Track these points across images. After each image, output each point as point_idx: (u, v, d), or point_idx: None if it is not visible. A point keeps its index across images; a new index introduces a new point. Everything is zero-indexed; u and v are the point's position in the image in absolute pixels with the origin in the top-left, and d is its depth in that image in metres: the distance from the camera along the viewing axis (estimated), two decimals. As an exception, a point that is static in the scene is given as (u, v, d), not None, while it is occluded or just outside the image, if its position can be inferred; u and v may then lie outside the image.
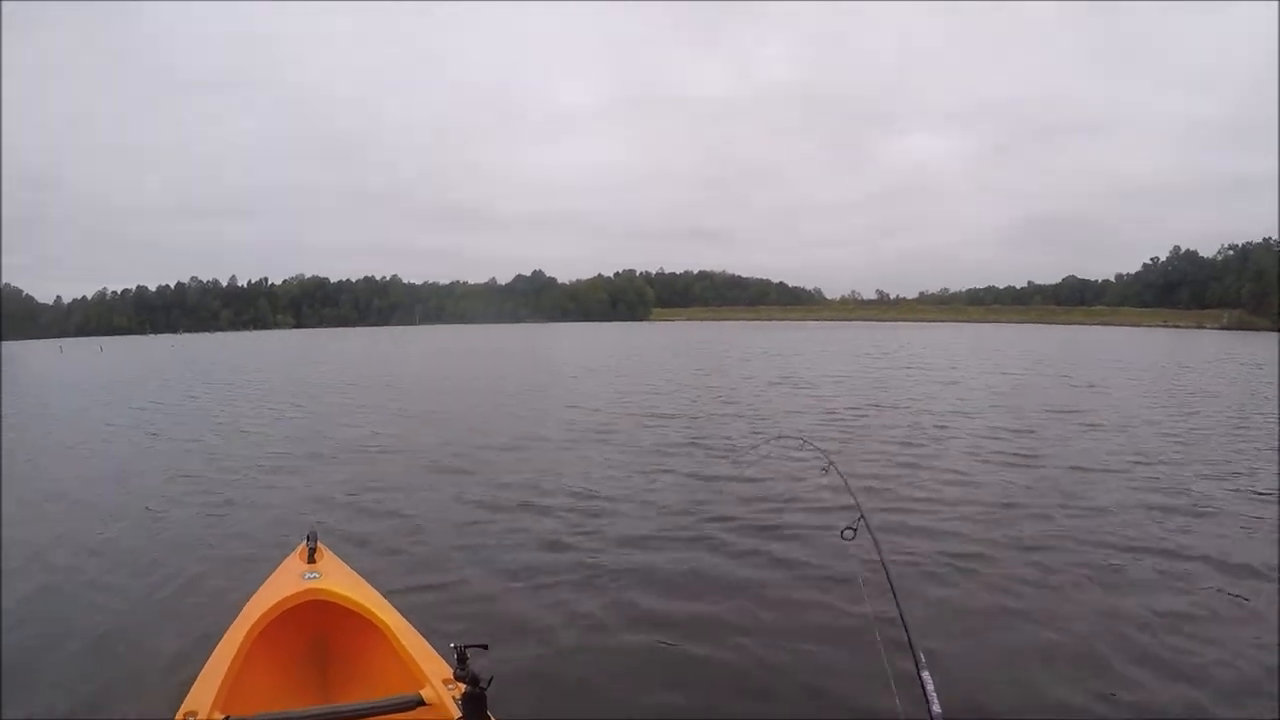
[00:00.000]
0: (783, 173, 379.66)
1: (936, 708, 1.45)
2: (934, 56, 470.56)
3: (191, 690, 2.75)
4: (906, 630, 1.77)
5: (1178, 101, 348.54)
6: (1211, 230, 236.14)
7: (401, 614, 3.41)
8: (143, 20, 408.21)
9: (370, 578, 3.83)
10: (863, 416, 14.05)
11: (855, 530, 2.86)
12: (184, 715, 2.55)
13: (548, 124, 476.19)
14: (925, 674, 1.56)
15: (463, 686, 2.54)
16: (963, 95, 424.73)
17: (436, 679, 2.85)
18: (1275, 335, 65.11)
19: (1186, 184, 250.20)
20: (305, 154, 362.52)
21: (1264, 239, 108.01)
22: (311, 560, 3.78)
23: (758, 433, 11.97)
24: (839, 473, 3.83)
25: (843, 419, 13.73)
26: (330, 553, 3.95)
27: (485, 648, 2.66)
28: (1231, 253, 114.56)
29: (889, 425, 12.74)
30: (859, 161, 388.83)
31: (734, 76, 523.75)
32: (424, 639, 3.23)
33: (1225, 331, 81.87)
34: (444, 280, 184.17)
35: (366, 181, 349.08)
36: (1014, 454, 10.09)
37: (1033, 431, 11.96)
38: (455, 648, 2.61)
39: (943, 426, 12.48)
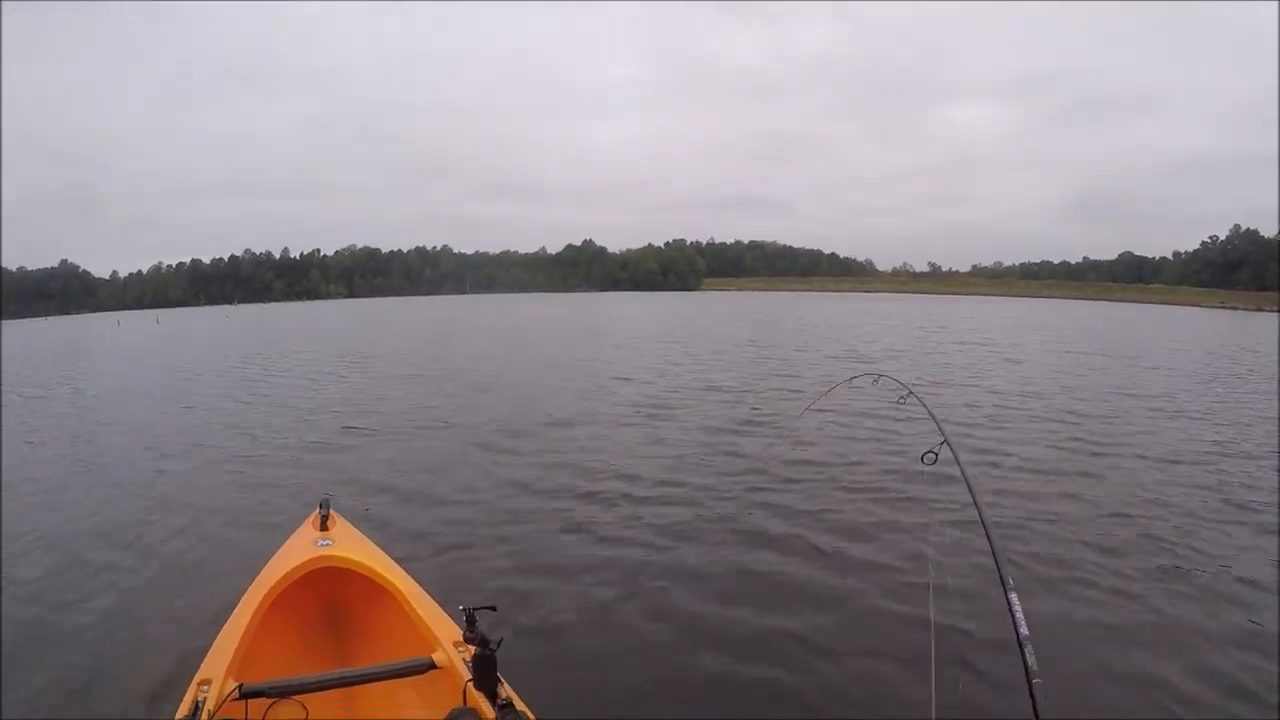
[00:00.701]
0: (832, 144, 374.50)
1: (1024, 629, 1.43)
2: (984, 26, 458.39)
3: (206, 659, 2.77)
4: (994, 552, 1.72)
5: (1240, 76, 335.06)
6: (1274, 209, 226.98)
7: (414, 579, 3.44)
8: (186, 8, 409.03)
9: (384, 544, 3.86)
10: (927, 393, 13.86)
11: (936, 455, 2.81)
12: (199, 684, 2.57)
13: (596, 98, 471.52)
14: (1013, 595, 1.53)
15: (473, 648, 2.57)
16: (1015, 66, 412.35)
17: (448, 642, 2.89)
18: None
19: (1247, 161, 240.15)
20: (356, 133, 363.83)
21: None
22: (324, 528, 3.79)
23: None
24: (919, 400, 3.85)
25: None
26: (343, 519, 3.98)
27: (494, 609, 2.67)
28: None
29: (949, 404, 12.52)
30: (908, 132, 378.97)
31: (779, 49, 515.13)
32: (435, 603, 3.26)
33: None
34: (494, 250, 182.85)
35: (417, 156, 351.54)
36: (1084, 438, 9.86)
37: (1110, 417, 11.55)
38: (464, 609, 2.64)
39: (1003, 407, 12.42)
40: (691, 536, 6.07)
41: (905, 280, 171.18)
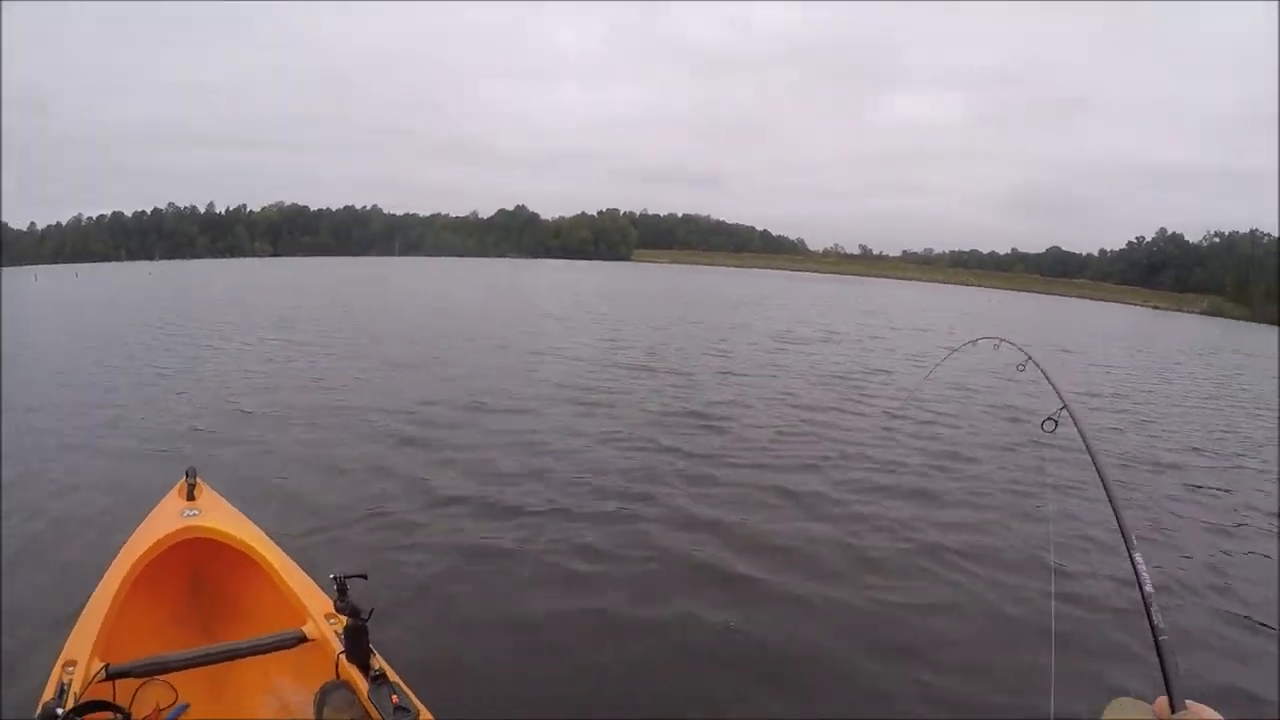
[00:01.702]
0: (774, 124, 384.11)
1: (1149, 587, 1.45)
2: (934, 18, 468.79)
3: (69, 639, 2.64)
4: (1116, 512, 1.75)
5: (1177, 88, 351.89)
6: (1197, 218, 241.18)
7: (283, 550, 3.37)
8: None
9: (255, 515, 3.74)
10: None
11: (1057, 422, 2.72)
12: (63, 665, 2.44)
13: (539, 64, 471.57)
14: (1137, 555, 1.56)
15: (344, 619, 2.53)
16: (961, 60, 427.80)
17: (319, 614, 2.84)
18: (1252, 324, 69.51)
19: (1179, 170, 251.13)
20: (292, 87, 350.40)
21: (1251, 230, 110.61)
22: (191, 497, 3.68)
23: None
24: (1038, 366, 3.87)
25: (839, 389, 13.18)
26: (210, 489, 3.88)
27: (365, 577, 2.62)
28: (1217, 240, 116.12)
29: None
30: (851, 118, 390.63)
31: (733, 26, 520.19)
32: (305, 574, 3.19)
33: (1204, 316, 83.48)
34: (425, 212, 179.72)
35: (353, 115, 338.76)
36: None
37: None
38: (335, 578, 2.57)
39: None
40: (644, 497, 6.58)
41: (836, 261, 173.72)
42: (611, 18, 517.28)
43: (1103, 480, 2.00)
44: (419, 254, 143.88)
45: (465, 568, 5.03)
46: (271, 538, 3.46)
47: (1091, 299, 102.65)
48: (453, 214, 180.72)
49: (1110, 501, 1.85)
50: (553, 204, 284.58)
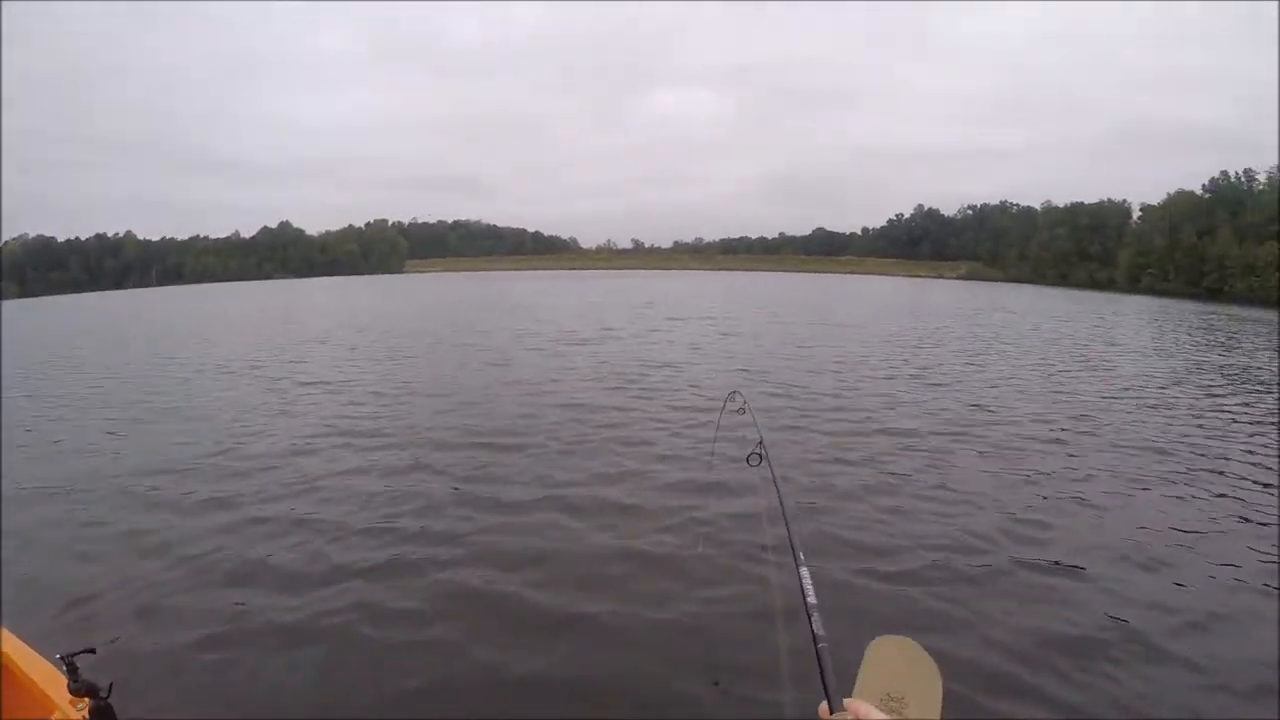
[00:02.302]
0: (540, 125, 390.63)
1: (812, 598, 1.60)
2: (695, 14, 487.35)
3: None
4: (788, 527, 1.94)
5: (928, 77, 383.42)
6: (951, 194, 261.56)
7: (22, 640, 3.18)
8: None
9: None
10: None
11: (761, 456, 2.96)
12: None
13: (298, 71, 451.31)
14: (803, 569, 1.72)
15: (86, 700, 2.42)
16: (723, 55, 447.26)
17: (64, 700, 2.67)
18: (1008, 285, 77.98)
19: (933, 152, 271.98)
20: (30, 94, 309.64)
21: (1000, 202, 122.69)
22: None
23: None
24: (751, 412, 4.02)
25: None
26: None
27: (93, 651, 2.51)
28: (970, 212, 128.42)
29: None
30: (617, 115, 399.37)
31: (491, 28, 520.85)
32: (47, 661, 3.01)
33: (962, 280, 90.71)
34: (182, 236, 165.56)
35: (91, 128, 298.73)
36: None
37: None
38: (62, 658, 2.44)
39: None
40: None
41: (609, 257, 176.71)
42: (370, 21, 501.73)
43: (781, 505, 2.24)
44: (179, 282, 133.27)
45: (215, 634, 4.74)
46: (6, 627, 3.24)
47: (859, 273, 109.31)
48: (213, 235, 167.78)
49: (784, 521, 2.03)
50: (319, 219, 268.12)
